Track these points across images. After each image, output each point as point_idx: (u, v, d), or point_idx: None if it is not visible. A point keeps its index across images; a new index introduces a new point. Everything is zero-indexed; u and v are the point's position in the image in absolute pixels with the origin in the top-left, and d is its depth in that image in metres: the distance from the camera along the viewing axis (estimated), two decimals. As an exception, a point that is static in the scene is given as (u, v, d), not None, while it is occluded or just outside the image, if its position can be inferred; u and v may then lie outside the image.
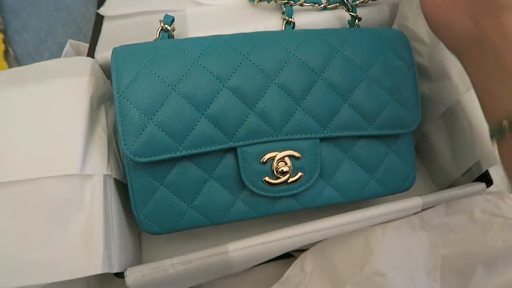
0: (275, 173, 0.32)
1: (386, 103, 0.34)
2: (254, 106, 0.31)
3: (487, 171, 0.34)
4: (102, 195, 0.30)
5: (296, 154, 0.32)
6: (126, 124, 0.30)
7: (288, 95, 0.32)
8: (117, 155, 0.34)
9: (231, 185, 0.33)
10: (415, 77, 0.35)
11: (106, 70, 0.36)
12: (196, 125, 0.31)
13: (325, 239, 0.35)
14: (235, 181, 0.33)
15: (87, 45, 0.38)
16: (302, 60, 0.32)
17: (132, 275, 0.29)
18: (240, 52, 0.31)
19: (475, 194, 0.34)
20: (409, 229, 0.34)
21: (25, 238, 0.27)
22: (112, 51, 0.31)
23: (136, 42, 0.37)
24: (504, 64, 0.22)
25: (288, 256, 0.40)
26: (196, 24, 0.39)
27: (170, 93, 0.30)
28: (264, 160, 0.32)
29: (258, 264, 0.37)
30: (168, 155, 0.30)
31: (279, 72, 0.32)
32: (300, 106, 0.32)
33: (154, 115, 0.30)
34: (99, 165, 0.31)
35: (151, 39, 0.37)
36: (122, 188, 0.34)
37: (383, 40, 0.34)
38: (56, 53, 0.48)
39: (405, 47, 0.35)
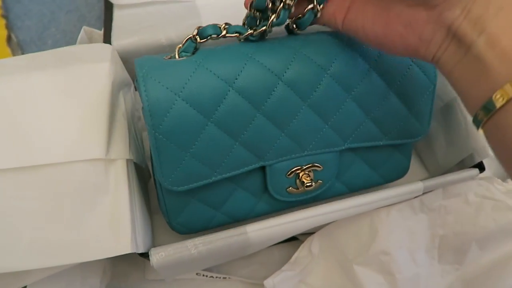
0: (298, 184, 0.35)
1: (404, 117, 0.34)
2: (286, 129, 0.31)
3: (480, 158, 0.37)
4: (126, 179, 0.31)
5: (319, 166, 0.35)
6: (163, 159, 0.29)
7: (319, 116, 0.32)
8: (136, 139, 0.35)
9: (256, 191, 0.36)
10: (434, 92, 0.34)
11: (122, 58, 0.37)
12: (230, 152, 0.31)
13: (331, 223, 0.37)
14: (260, 188, 0.35)
15: (100, 32, 0.39)
16: (334, 79, 0.31)
17: (157, 255, 0.30)
18: (276, 75, 0.30)
19: (469, 179, 0.37)
20: (410, 212, 0.36)
21: (54, 220, 0.28)
22: (140, 75, 0.28)
23: (152, 32, 0.38)
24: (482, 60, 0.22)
25: (293, 240, 0.42)
26: (209, 16, 0.40)
27: (207, 125, 0.29)
28: (289, 174, 0.34)
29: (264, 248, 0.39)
30: (204, 182, 0.31)
31: (312, 94, 0.31)
32: (327, 125, 0.32)
33: (191, 148, 0.29)
34: (122, 150, 0.31)
35: (164, 29, 0.38)
36: (140, 171, 0.35)
37: None
38: (60, 40, 0.48)
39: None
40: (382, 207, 0.36)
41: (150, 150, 0.30)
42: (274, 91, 0.30)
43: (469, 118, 0.37)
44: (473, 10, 0.22)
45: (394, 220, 0.36)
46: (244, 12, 0.41)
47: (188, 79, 0.28)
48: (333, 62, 0.30)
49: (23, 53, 0.47)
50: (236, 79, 0.29)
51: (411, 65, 0.32)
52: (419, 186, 0.35)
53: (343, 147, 0.34)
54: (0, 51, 0.45)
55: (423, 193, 0.36)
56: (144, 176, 0.38)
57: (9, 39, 0.47)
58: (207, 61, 0.29)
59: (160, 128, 0.28)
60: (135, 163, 0.34)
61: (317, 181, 0.35)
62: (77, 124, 0.30)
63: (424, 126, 0.35)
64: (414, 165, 0.45)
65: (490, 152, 0.36)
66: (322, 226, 0.38)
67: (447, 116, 0.39)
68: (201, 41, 0.30)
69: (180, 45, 0.29)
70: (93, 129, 0.30)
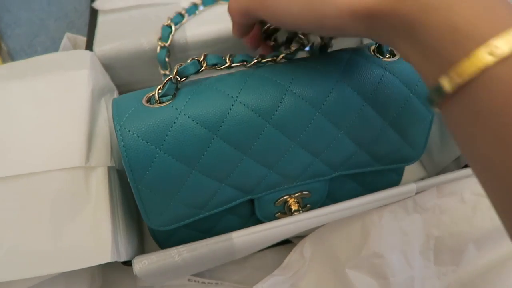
0: (286, 209, 0.34)
1: (398, 146, 0.33)
2: (274, 167, 0.30)
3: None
4: (107, 187, 0.30)
5: (307, 193, 0.34)
6: (147, 207, 0.29)
7: (309, 152, 0.31)
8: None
9: (245, 215, 0.35)
10: (432, 121, 0.32)
11: (105, 64, 0.37)
12: (217, 192, 0.30)
13: (322, 225, 0.36)
14: (248, 213, 0.35)
15: (84, 38, 0.38)
16: (326, 117, 0.29)
17: (140, 263, 0.30)
18: (263, 118, 0.28)
19: (464, 178, 0.35)
20: (403, 212, 0.35)
21: (34, 230, 0.27)
22: (117, 128, 0.26)
23: (133, 36, 0.37)
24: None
25: (287, 243, 0.41)
26: (193, 18, 0.39)
27: (191, 173, 0.28)
28: (278, 203, 0.34)
29: (258, 251, 0.38)
30: (191, 220, 0.31)
31: (302, 133, 0.29)
32: (318, 159, 0.31)
33: (176, 195, 0.29)
34: (103, 157, 0.31)
35: (147, 33, 0.37)
36: (124, 179, 0.35)
37: (412, 86, 0.30)
38: (50, 48, 0.48)
39: None
40: (374, 208, 0.35)
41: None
42: (261, 134, 0.28)
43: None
44: None
45: (386, 222, 0.34)
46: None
47: (169, 131, 0.26)
48: (325, 100, 0.28)
49: (13, 62, 0.47)
50: (221, 126, 0.27)
51: (409, 96, 0.30)
52: (411, 187, 0.34)
53: (333, 175, 0.33)
54: (-10, 61, 0.46)
55: (416, 193, 0.35)
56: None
57: (-1, 48, 0.47)
58: (188, 108, 0.27)
59: (142, 182, 0.27)
60: (119, 170, 0.34)
61: (306, 205, 0.35)
62: (56, 133, 0.30)
63: (418, 152, 0.34)
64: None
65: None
66: (314, 229, 0.37)
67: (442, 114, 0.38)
68: (182, 80, 0.27)
69: (161, 85, 0.27)
70: (72, 137, 0.30)
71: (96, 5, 0.41)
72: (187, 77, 0.28)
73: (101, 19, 0.40)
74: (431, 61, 0.19)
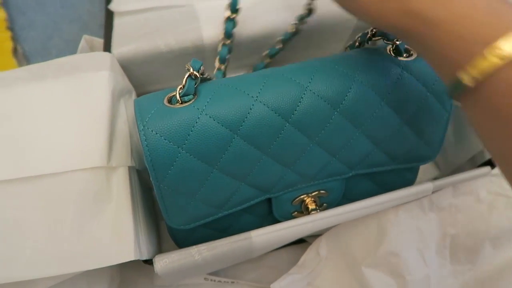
0: (303, 209, 0.35)
1: (415, 145, 0.33)
2: (292, 166, 0.31)
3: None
4: (128, 186, 0.31)
5: (324, 192, 0.34)
6: (169, 206, 0.29)
7: (326, 151, 0.31)
8: (139, 147, 0.35)
9: (262, 214, 0.36)
10: (449, 119, 0.32)
11: (122, 65, 0.37)
12: (236, 191, 0.31)
13: (338, 224, 0.37)
14: (265, 212, 0.35)
15: (101, 40, 0.39)
16: (344, 116, 0.29)
17: (161, 262, 0.30)
18: (283, 118, 0.28)
19: (480, 177, 0.35)
20: (419, 211, 0.35)
21: (57, 229, 0.28)
22: (140, 128, 0.26)
23: (150, 38, 0.38)
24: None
25: (301, 242, 0.42)
26: (208, 19, 0.39)
27: (212, 172, 0.28)
28: (295, 202, 0.34)
29: (273, 250, 0.38)
30: (210, 218, 0.32)
31: (320, 133, 0.29)
32: (335, 158, 0.32)
33: (197, 194, 0.29)
34: (124, 157, 0.31)
35: (163, 35, 0.38)
36: (144, 179, 0.35)
37: (429, 85, 0.30)
38: (64, 50, 0.48)
39: None
40: (390, 207, 0.35)
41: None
42: (280, 133, 0.28)
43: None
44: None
45: (402, 220, 0.35)
46: (240, 14, 0.41)
47: (191, 130, 0.27)
48: (344, 99, 0.29)
49: (28, 64, 0.47)
50: (241, 126, 0.27)
51: (426, 95, 0.30)
52: (428, 186, 0.34)
53: (350, 174, 0.34)
54: (7, 63, 0.46)
55: (432, 192, 0.35)
56: (148, 182, 0.38)
57: (15, 50, 0.47)
58: (210, 108, 0.27)
59: (164, 181, 0.27)
60: (138, 170, 0.34)
61: (323, 204, 0.35)
62: (77, 133, 0.30)
63: (434, 151, 0.34)
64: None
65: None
66: (330, 227, 0.38)
67: (457, 113, 0.38)
68: (199, 74, 0.28)
69: (181, 85, 0.28)
70: (93, 137, 0.30)
71: (112, 7, 0.41)
72: (200, 69, 0.28)
73: (117, 21, 0.40)
74: (444, 65, 0.21)
